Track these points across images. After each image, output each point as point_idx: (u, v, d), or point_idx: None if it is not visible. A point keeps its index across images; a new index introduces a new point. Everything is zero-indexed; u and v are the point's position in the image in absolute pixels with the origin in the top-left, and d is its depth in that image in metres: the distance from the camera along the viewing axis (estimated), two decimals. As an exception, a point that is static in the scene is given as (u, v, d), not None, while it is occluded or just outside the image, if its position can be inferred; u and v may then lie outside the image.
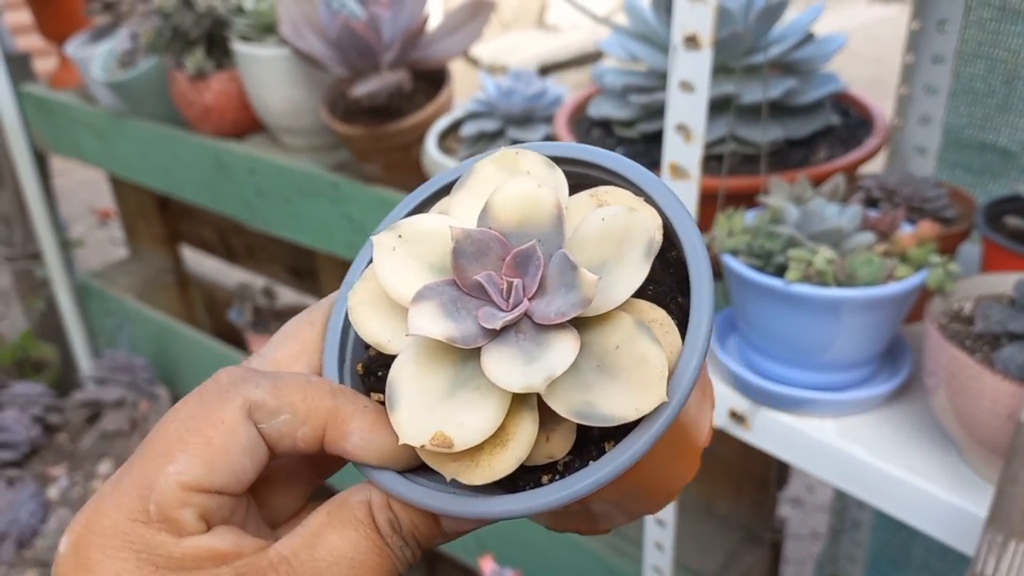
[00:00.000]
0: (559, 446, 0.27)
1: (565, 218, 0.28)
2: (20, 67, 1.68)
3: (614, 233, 0.27)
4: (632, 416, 0.25)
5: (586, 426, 0.27)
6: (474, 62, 5.01)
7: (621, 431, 0.26)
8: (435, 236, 0.29)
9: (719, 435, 0.80)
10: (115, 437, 1.67)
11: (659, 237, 0.28)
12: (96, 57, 1.47)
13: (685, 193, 0.67)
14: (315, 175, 1.22)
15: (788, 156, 0.83)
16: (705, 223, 0.72)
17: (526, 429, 0.27)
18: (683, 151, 0.66)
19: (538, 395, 0.27)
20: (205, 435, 0.26)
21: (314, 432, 0.28)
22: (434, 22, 1.14)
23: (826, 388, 0.69)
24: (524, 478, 0.28)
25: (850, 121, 0.90)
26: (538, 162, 0.30)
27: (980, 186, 0.92)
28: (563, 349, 0.26)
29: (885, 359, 0.72)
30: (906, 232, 0.67)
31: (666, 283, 0.29)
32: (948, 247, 0.76)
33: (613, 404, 0.26)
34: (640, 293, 0.28)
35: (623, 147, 0.87)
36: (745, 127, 0.81)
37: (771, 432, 0.70)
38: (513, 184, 0.28)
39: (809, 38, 0.82)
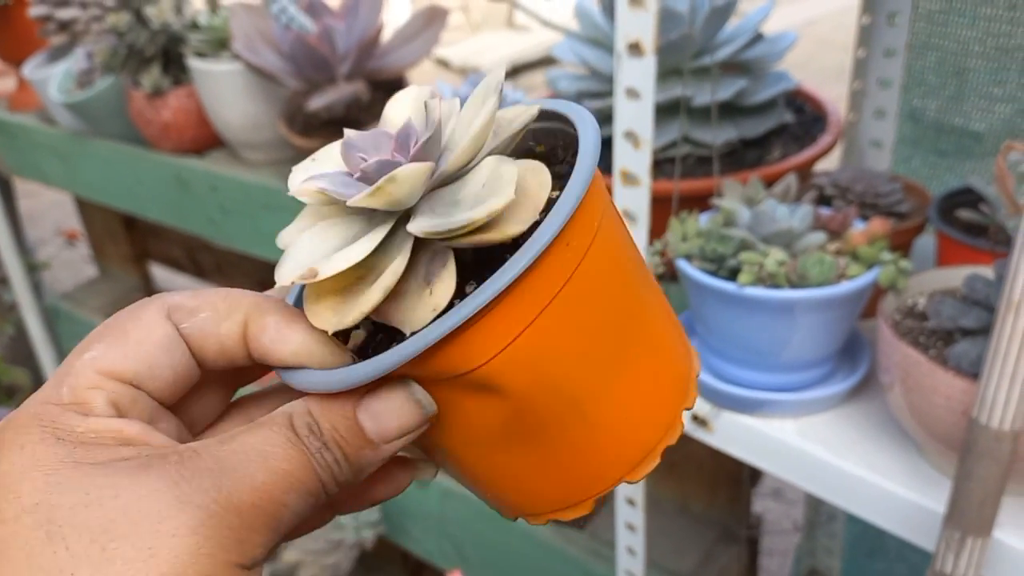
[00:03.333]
0: (442, 293, 0.26)
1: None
2: (-24, 90, 1.66)
3: (477, 94, 0.29)
4: (483, 216, 0.25)
5: (471, 273, 0.27)
6: (444, 64, 5.01)
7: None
8: (338, 151, 0.30)
9: (689, 436, 0.80)
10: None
11: (502, 81, 0.29)
12: (53, 78, 1.45)
13: (637, 199, 0.67)
14: (278, 190, 1.21)
15: (743, 156, 0.83)
16: (659, 228, 0.72)
17: (395, 261, 0.27)
18: (632, 158, 0.66)
19: (419, 243, 0.27)
20: (122, 328, 0.27)
21: (236, 328, 0.28)
22: (391, 31, 1.14)
23: (785, 389, 0.69)
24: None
25: (804, 118, 0.90)
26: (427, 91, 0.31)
27: (936, 178, 0.92)
28: (418, 170, 0.26)
29: (843, 356, 0.72)
30: (858, 230, 0.67)
31: (551, 161, 0.31)
32: (903, 242, 0.76)
33: (466, 213, 0.26)
34: None
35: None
36: (698, 129, 0.81)
37: (733, 434, 0.70)
38: (405, 92, 0.31)
39: (758, 38, 0.82)
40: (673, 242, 0.68)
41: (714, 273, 0.66)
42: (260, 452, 0.26)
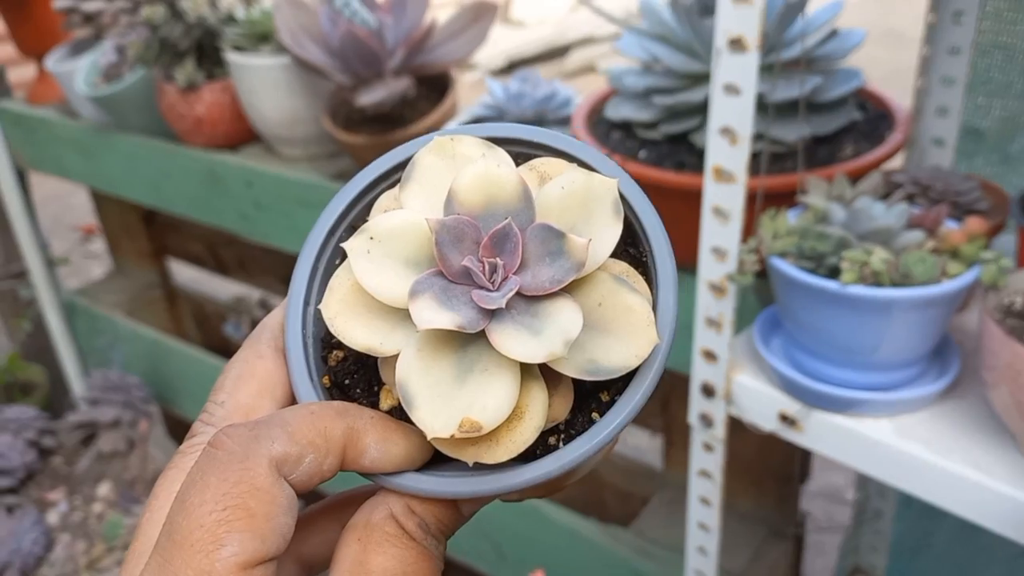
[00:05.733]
0: (561, 407, 0.29)
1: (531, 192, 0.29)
2: (-5, 82, 1.64)
3: (577, 197, 0.29)
4: (635, 363, 0.27)
5: (579, 385, 0.29)
6: (441, 59, 4.97)
7: (612, 382, 0.29)
8: (405, 232, 0.29)
9: (738, 433, 0.79)
10: (112, 458, 1.63)
11: (619, 199, 0.29)
12: (79, 71, 1.43)
13: (731, 196, 0.66)
14: (317, 185, 1.20)
15: (815, 154, 0.83)
16: (746, 226, 0.71)
17: (538, 398, 0.28)
18: (728, 154, 0.65)
19: (538, 365, 0.28)
20: (246, 509, 0.25)
21: (337, 460, 0.28)
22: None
23: (877, 388, 0.68)
24: (534, 444, 0.28)
25: (868, 115, 0.90)
26: (475, 144, 0.31)
27: (999, 177, 0.92)
28: (569, 313, 0.27)
29: (932, 356, 0.72)
30: (952, 228, 0.67)
31: None
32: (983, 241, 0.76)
33: (614, 356, 0.27)
34: None
35: (646, 149, 0.86)
36: (774, 126, 0.80)
37: (825, 434, 0.69)
38: (473, 168, 0.29)
39: (833, 34, 0.82)
40: (766, 240, 0.67)
41: (812, 271, 0.65)
42: (404, 575, 0.27)
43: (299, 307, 0.32)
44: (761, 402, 0.72)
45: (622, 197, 0.30)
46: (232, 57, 1.21)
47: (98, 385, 1.67)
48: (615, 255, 0.30)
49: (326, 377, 0.32)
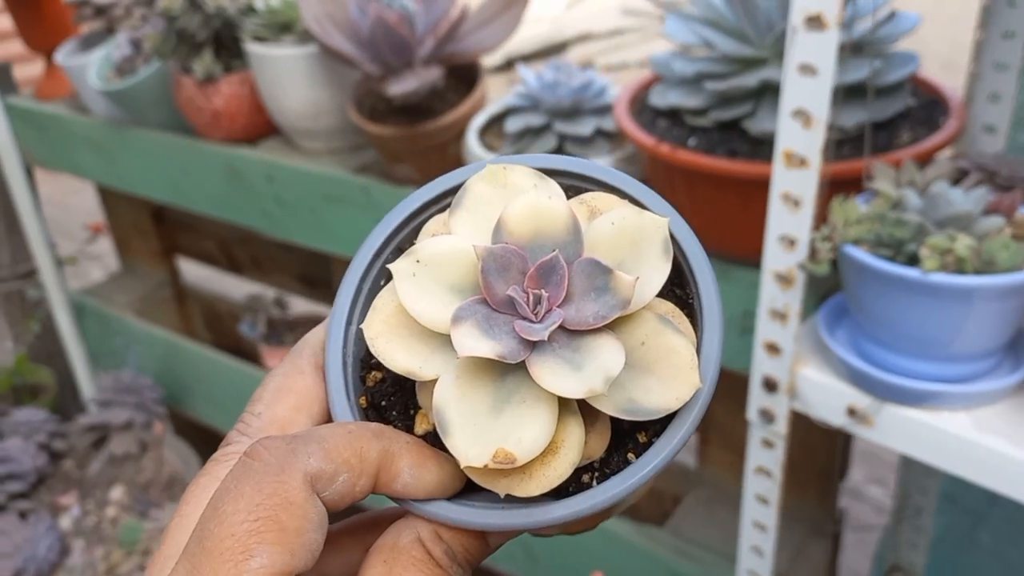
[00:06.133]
0: (597, 445, 0.29)
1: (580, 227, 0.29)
2: (1, 78, 1.60)
3: (627, 234, 0.29)
4: (675, 406, 0.27)
5: (617, 423, 0.29)
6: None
7: (651, 423, 0.29)
8: (452, 257, 0.29)
9: (820, 432, 0.77)
10: (124, 461, 1.60)
11: (669, 238, 0.29)
12: (91, 65, 1.40)
13: (804, 182, 0.64)
14: (342, 180, 1.17)
15: (871, 139, 0.80)
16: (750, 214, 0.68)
17: (574, 433, 0.28)
18: (802, 138, 0.62)
19: (576, 400, 0.28)
20: (278, 521, 0.25)
21: (370, 481, 0.28)
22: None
23: (955, 380, 0.66)
24: (567, 480, 0.28)
25: (920, 101, 0.87)
26: (527, 175, 0.31)
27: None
28: (611, 351, 0.27)
29: (1007, 347, 0.69)
30: (1030, 213, 0.64)
31: None
32: (1053, 226, 0.73)
33: (654, 397, 0.27)
34: None
35: (695, 136, 0.84)
36: (833, 111, 0.78)
37: (898, 429, 0.67)
38: (524, 199, 0.29)
39: (892, 16, 0.79)
40: (839, 227, 0.64)
41: (891, 259, 0.62)
42: None
43: (341, 326, 0.32)
44: (828, 396, 0.70)
45: (671, 236, 0.30)
46: (252, 48, 1.18)
47: (109, 387, 1.63)
48: (661, 295, 0.30)
49: (363, 398, 0.32)
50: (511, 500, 0.28)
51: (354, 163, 1.22)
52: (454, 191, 0.32)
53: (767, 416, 0.74)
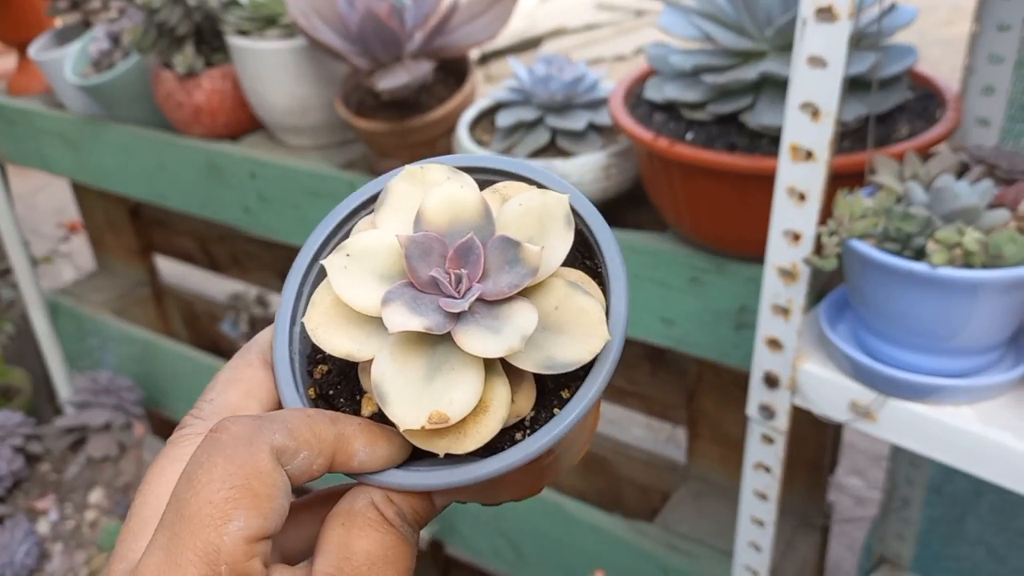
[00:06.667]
0: (525, 403, 0.32)
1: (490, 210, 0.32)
2: (-28, 73, 1.56)
3: (533, 213, 0.32)
4: (587, 357, 0.30)
5: (542, 383, 0.32)
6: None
7: (572, 380, 0.31)
8: (379, 249, 0.33)
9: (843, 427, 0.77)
10: (102, 463, 1.57)
11: (570, 213, 0.32)
12: (66, 59, 1.37)
13: (811, 176, 0.63)
14: (328, 176, 1.15)
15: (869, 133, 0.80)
16: (755, 208, 0.68)
17: (501, 392, 0.31)
18: (810, 131, 0.62)
19: (503, 364, 0.31)
20: (251, 489, 0.28)
21: (326, 462, 0.30)
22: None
23: (958, 374, 0.66)
24: (500, 440, 0.31)
25: (916, 94, 0.87)
26: (443, 171, 0.34)
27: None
28: (524, 313, 0.30)
29: (1009, 340, 0.69)
30: (1035, 206, 0.65)
31: (570, 252, 0.33)
32: (1051, 220, 0.74)
33: (569, 352, 0.30)
34: None
35: (693, 130, 0.83)
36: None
37: (902, 424, 0.67)
38: (438, 190, 0.32)
39: (891, 9, 0.79)
40: (845, 221, 0.64)
41: (898, 253, 0.62)
42: (384, 558, 0.30)
43: (286, 325, 0.35)
44: (830, 391, 0.70)
45: (578, 215, 0.34)
46: (235, 42, 1.15)
47: (86, 388, 1.60)
48: (573, 266, 0.34)
49: (312, 389, 0.34)
50: (452, 462, 0.31)
51: (341, 159, 1.20)
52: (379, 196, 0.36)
53: (768, 412, 0.74)
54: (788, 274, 0.68)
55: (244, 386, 0.34)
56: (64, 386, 1.73)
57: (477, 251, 0.31)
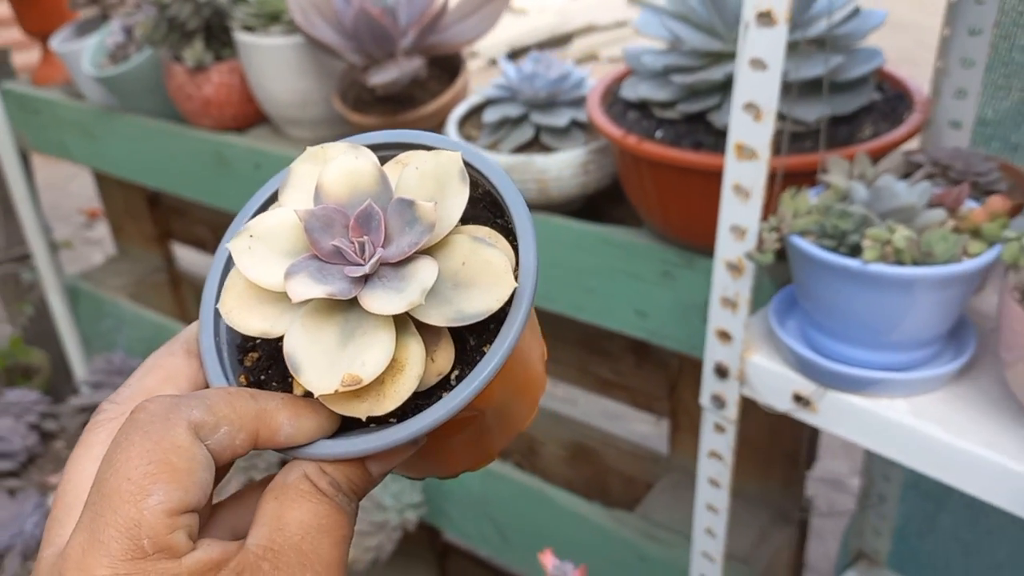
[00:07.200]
0: (444, 361, 0.32)
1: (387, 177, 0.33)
2: (-1, 63, 1.63)
3: (429, 174, 0.33)
4: (496, 306, 0.31)
5: (464, 343, 0.33)
6: (442, 49, 4.96)
7: (495, 337, 0.31)
8: (282, 227, 0.33)
9: (745, 416, 0.79)
10: (114, 442, 1.63)
11: (463, 167, 0.33)
12: (84, 51, 1.42)
13: (752, 174, 0.66)
14: (326, 167, 1.19)
15: (833, 134, 0.82)
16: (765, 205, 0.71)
17: (415, 350, 0.31)
18: (752, 130, 0.65)
19: (417, 325, 0.31)
20: (169, 463, 0.28)
21: (249, 436, 0.31)
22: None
23: (894, 368, 0.68)
24: (428, 403, 0.31)
25: (886, 96, 0.89)
26: (341, 147, 0.34)
27: (1018, 160, 0.92)
28: (425, 268, 0.31)
29: (948, 336, 0.72)
30: (974, 207, 0.67)
31: (481, 213, 0.35)
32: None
33: (477, 303, 0.31)
34: (464, 222, 0.34)
35: (663, 128, 0.86)
36: (793, 105, 0.80)
37: (839, 415, 0.69)
38: (335, 163, 0.33)
39: (855, 13, 0.82)
40: (787, 218, 0.67)
41: (834, 250, 0.65)
42: (318, 527, 0.30)
43: (210, 316, 0.35)
44: (775, 383, 0.72)
45: (483, 175, 0.35)
46: (242, 37, 1.20)
47: (101, 369, 1.66)
48: (483, 223, 0.34)
49: (243, 376, 0.35)
50: (380, 427, 0.31)
51: (339, 151, 1.24)
52: None
53: (719, 401, 0.77)
54: (735, 268, 0.71)
55: (163, 372, 0.34)
56: (81, 366, 1.79)
57: (377, 217, 0.31)
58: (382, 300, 0.30)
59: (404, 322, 0.31)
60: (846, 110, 0.82)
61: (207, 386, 0.34)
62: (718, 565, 0.86)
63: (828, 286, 0.66)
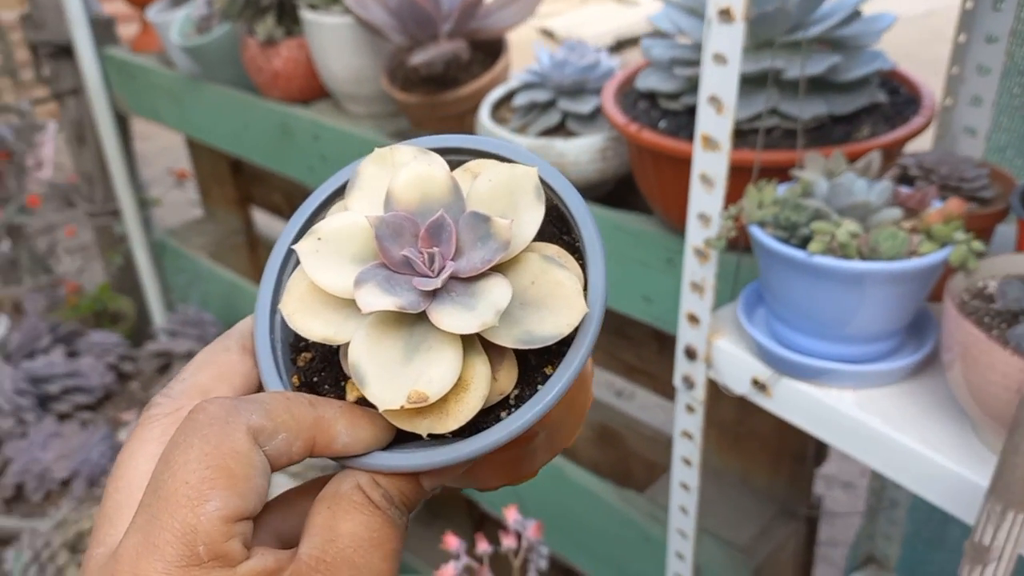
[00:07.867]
0: (507, 381, 0.31)
1: (460, 186, 0.32)
2: (104, 31, 1.76)
3: (503, 187, 0.32)
4: (566, 331, 0.30)
5: (525, 361, 0.32)
6: (549, 35, 5.00)
7: (556, 357, 0.31)
8: (350, 231, 0.32)
9: (756, 409, 0.82)
10: (183, 388, 1.75)
11: (539, 184, 0.32)
12: (175, 22, 1.53)
13: (715, 164, 0.69)
14: (378, 143, 1.26)
15: (830, 132, 0.84)
16: (737, 196, 0.73)
17: (481, 370, 0.30)
18: (715, 122, 0.68)
19: (482, 342, 0.31)
20: (227, 469, 0.28)
21: (305, 444, 0.30)
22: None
23: (847, 360, 0.70)
24: (485, 420, 0.31)
25: (899, 99, 0.90)
26: (411, 153, 0.34)
27: (1029, 169, 0.91)
28: (499, 287, 0.30)
29: (910, 334, 0.73)
30: (934, 209, 0.68)
31: (547, 228, 0.34)
32: (984, 227, 0.76)
33: (547, 326, 0.30)
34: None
35: (667, 119, 0.89)
36: (787, 102, 0.82)
37: (791, 401, 0.71)
38: (406, 169, 0.32)
39: (855, 16, 0.83)
40: (748, 208, 0.69)
41: (786, 241, 0.67)
42: (370, 540, 0.29)
43: (266, 313, 0.35)
44: (737, 367, 0.75)
45: (552, 190, 0.34)
46: (306, 15, 1.28)
47: (177, 319, 1.79)
48: (550, 241, 0.33)
49: (295, 377, 0.34)
50: (438, 442, 0.31)
51: (391, 128, 1.31)
52: None
53: (688, 382, 0.80)
54: (701, 254, 0.74)
55: (217, 369, 0.33)
56: (160, 316, 1.93)
57: (449, 229, 0.31)
58: (453, 318, 0.30)
59: (471, 340, 0.31)
60: (845, 110, 0.83)
61: (260, 385, 0.34)
62: (690, 541, 0.89)
63: (782, 276, 0.69)
